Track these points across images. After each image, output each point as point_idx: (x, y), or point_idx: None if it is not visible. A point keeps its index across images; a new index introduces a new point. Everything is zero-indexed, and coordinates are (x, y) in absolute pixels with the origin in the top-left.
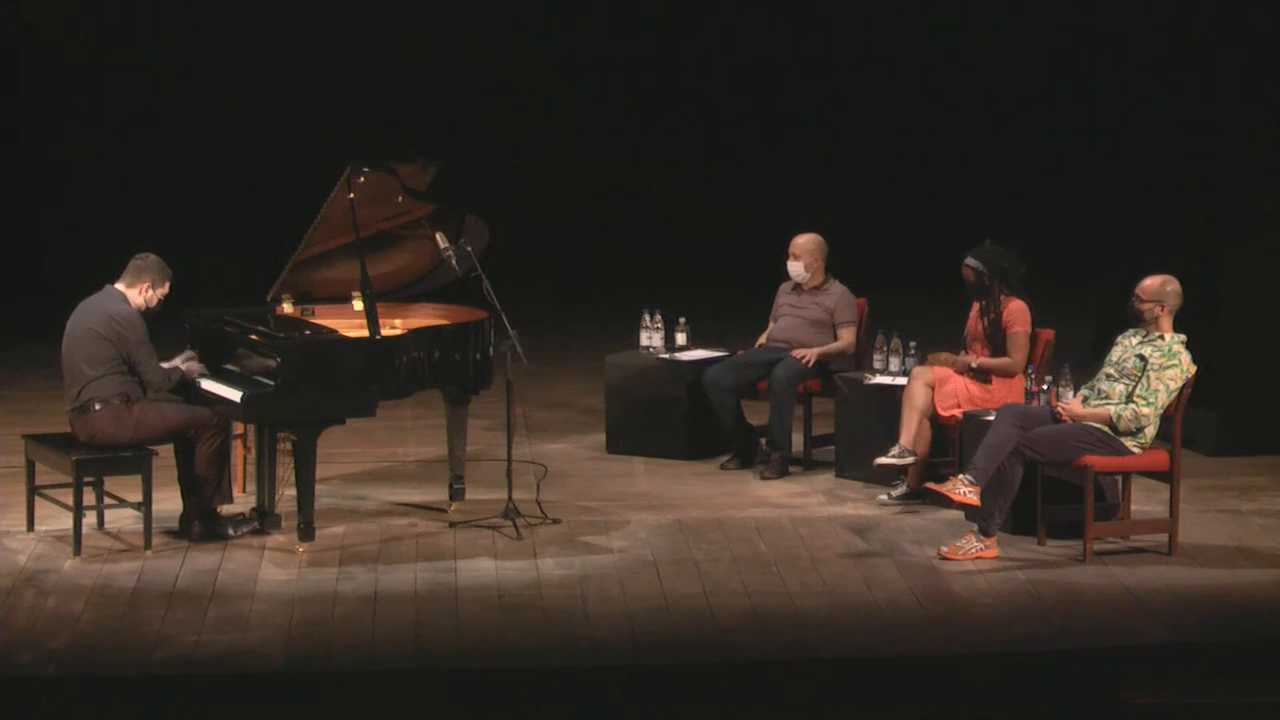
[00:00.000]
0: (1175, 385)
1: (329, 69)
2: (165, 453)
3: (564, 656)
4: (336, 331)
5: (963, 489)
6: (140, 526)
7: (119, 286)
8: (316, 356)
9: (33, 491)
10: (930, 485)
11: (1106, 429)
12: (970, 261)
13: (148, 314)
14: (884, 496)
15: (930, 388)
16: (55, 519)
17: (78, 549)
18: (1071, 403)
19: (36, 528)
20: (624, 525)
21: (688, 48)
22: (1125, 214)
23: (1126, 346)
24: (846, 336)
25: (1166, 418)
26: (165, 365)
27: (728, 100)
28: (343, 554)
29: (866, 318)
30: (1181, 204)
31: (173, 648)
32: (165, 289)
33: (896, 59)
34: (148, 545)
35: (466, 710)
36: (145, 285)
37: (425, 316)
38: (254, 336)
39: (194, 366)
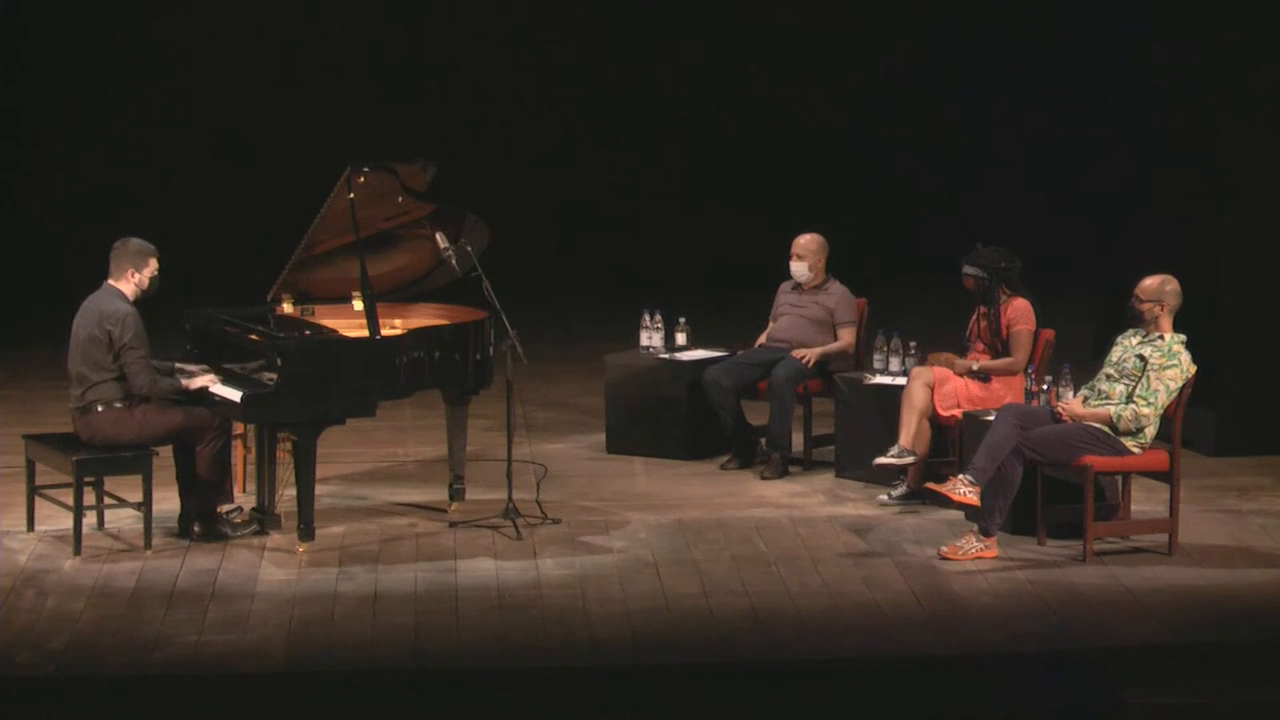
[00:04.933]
0: (1175, 385)
1: (330, 68)
2: (165, 453)
3: (564, 656)
4: (336, 331)
5: (963, 489)
6: (140, 526)
7: (111, 282)
8: (316, 356)
9: (33, 491)
10: (930, 485)
11: (1106, 429)
12: (969, 269)
13: (146, 297)
14: (884, 496)
15: (930, 388)
16: (55, 519)
17: (78, 549)
18: (1071, 403)
19: (36, 528)
20: (624, 525)
21: (688, 47)
22: (1125, 214)
23: (1126, 347)
24: (846, 336)
25: (1166, 418)
26: (187, 367)
27: (727, 98)
28: (343, 554)
29: (866, 318)
30: (1182, 204)
31: (173, 648)
32: (152, 267)
33: (896, 58)
34: (148, 545)
35: (466, 710)
36: (130, 271)
37: (425, 316)
38: (254, 336)
39: (202, 381)
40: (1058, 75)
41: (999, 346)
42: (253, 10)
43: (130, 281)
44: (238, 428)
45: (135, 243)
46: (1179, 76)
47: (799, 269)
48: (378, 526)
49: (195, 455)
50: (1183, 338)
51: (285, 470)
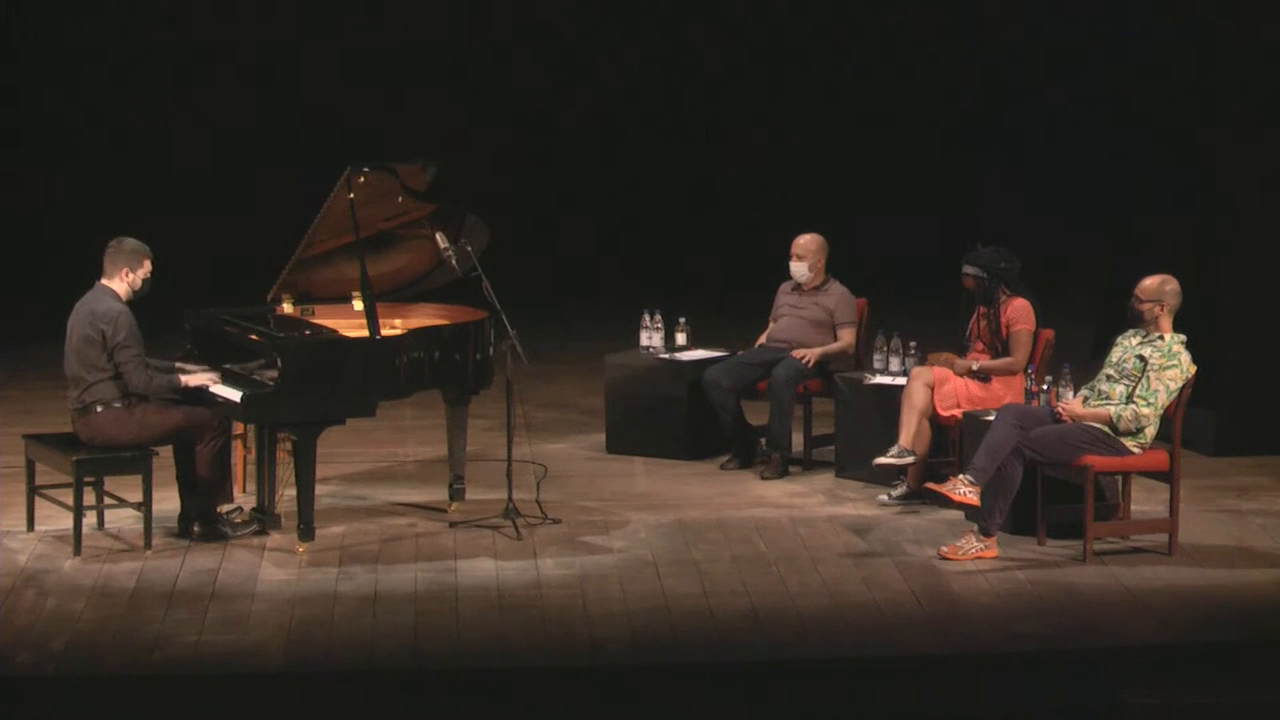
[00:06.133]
0: (1175, 385)
1: (330, 68)
2: (165, 453)
3: (564, 656)
4: (336, 331)
5: (963, 489)
6: (140, 526)
7: (103, 281)
8: (316, 356)
9: (33, 491)
10: (930, 485)
11: (1106, 429)
12: (969, 269)
13: (138, 298)
14: (884, 496)
15: (930, 388)
16: (55, 519)
17: (78, 549)
18: (1071, 403)
19: (36, 528)
20: (624, 525)
21: (687, 46)
22: (1125, 213)
23: (1126, 347)
24: (846, 337)
25: (1166, 418)
26: (187, 366)
27: (727, 98)
28: (343, 554)
29: (866, 318)
30: (1181, 204)
31: (173, 648)
32: (146, 268)
33: (896, 57)
34: (148, 545)
35: (466, 710)
36: (124, 271)
37: (425, 316)
38: (254, 336)
39: (201, 379)
40: (1057, 75)
41: (999, 346)
42: (253, 9)
43: (124, 281)
44: (238, 428)
45: (131, 243)
46: (1175, 75)
47: (799, 269)
48: (378, 526)
49: (195, 455)
50: (1183, 338)
51: (285, 470)
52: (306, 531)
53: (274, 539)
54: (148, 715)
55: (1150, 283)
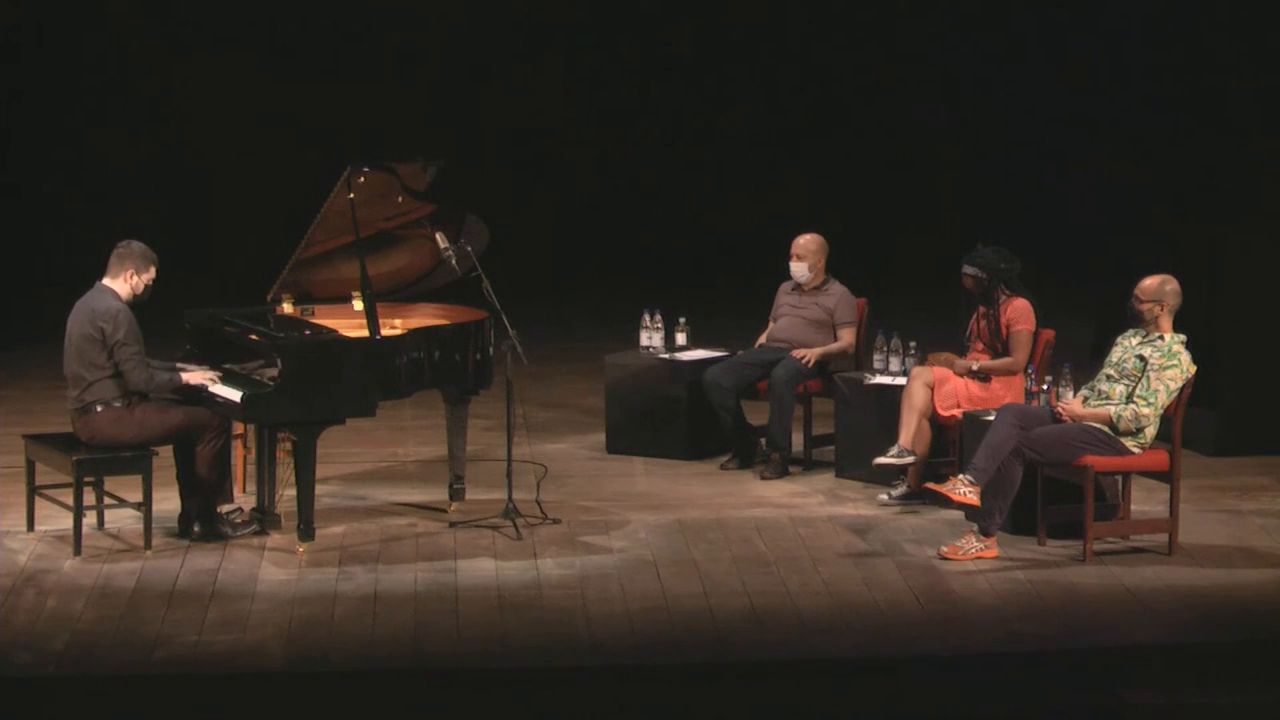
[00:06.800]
0: (1175, 385)
1: (330, 68)
2: (165, 452)
3: (564, 656)
4: (336, 331)
5: (963, 489)
6: (140, 526)
7: (105, 281)
8: (316, 356)
9: (33, 491)
10: (930, 485)
11: (1106, 429)
12: (969, 269)
13: (139, 303)
14: (884, 496)
15: (930, 388)
16: (55, 519)
17: (78, 549)
18: (1071, 403)
19: (36, 528)
20: (624, 525)
21: (688, 47)
22: (1125, 215)
23: (1126, 347)
24: (846, 337)
25: (1166, 418)
26: (188, 365)
27: (729, 98)
28: (343, 554)
29: (866, 318)
30: (1182, 205)
31: (173, 648)
32: (151, 274)
33: (897, 57)
34: (148, 545)
35: (466, 710)
36: (129, 273)
37: (425, 316)
38: (254, 336)
39: (200, 377)
40: (1058, 76)
41: (999, 346)
42: (254, 9)
43: (127, 283)
44: (238, 428)
45: (139, 246)
46: (1183, 76)
47: (799, 269)
48: (378, 526)
49: (195, 455)
50: (1183, 338)
51: (285, 470)
52: (306, 531)
53: (274, 539)
54: (148, 715)
55: (1150, 283)
